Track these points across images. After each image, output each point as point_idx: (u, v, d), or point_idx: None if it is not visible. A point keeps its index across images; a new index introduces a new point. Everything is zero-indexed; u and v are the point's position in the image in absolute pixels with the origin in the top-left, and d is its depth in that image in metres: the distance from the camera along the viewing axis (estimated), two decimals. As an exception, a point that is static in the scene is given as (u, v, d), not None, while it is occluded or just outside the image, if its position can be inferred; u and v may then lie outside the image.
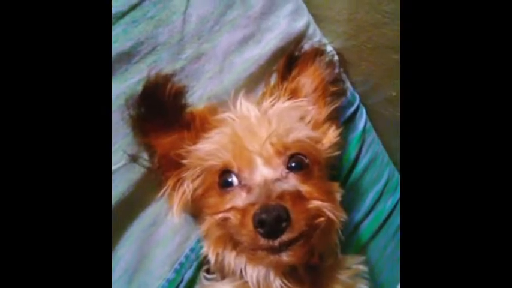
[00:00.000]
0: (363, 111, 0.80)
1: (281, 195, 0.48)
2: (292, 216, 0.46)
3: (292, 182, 0.52)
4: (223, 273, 0.58)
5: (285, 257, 0.48)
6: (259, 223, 0.46)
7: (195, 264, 0.63)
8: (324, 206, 0.51)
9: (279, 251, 0.48)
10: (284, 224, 0.46)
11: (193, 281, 0.63)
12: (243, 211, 0.48)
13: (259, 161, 0.52)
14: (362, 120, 0.80)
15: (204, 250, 0.57)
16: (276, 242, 0.47)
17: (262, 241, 0.47)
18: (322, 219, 0.51)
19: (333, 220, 0.52)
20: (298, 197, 0.50)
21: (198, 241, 0.63)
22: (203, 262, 0.62)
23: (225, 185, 0.53)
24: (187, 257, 0.63)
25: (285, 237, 0.46)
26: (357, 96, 0.79)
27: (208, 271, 0.61)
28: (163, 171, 0.57)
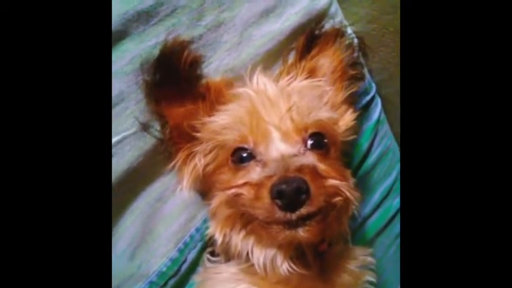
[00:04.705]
0: (378, 101, 0.79)
1: (300, 169, 0.47)
2: (312, 191, 0.45)
3: (310, 158, 0.51)
4: (228, 255, 0.56)
5: (301, 233, 0.46)
6: (278, 194, 0.44)
7: (199, 245, 0.62)
8: (341, 185, 0.50)
9: (295, 225, 0.46)
10: (304, 197, 0.45)
11: (196, 262, 0.62)
12: (259, 184, 0.47)
13: (276, 135, 0.51)
14: (377, 110, 0.78)
15: (211, 230, 0.56)
16: (294, 215, 0.45)
17: (279, 214, 0.45)
18: (340, 198, 0.50)
19: (350, 200, 0.51)
20: (316, 173, 0.48)
21: (205, 221, 0.61)
22: (208, 243, 0.61)
23: (238, 161, 0.52)
24: (192, 236, 0.61)
25: (303, 210, 0.45)
26: (374, 85, 0.77)
27: (212, 253, 0.60)
28: (174, 142, 0.55)
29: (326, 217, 0.49)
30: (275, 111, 0.51)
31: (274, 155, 0.50)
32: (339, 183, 0.50)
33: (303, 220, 0.46)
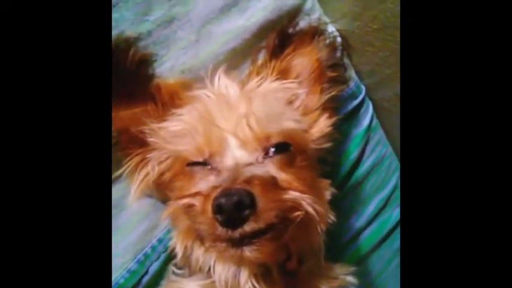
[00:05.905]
0: (369, 106, 0.73)
1: (249, 180, 0.42)
2: (259, 205, 0.40)
3: (268, 167, 0.46)
4: (190, 269, 0.52)
5: (248, 252, 0.42)
6: (217, 209, 0.40)
7: (163, 256, 0.58)
8: (302, 198, 0.45)
9: (240, 244, 0.42)
10: (247, 212, 0.40)
11: (160, 274, 0.59)
12: (205, 196, 0.43)
13: (233, 142, 0.46)
14: (367, 116, 0.72)
15: (173, 241, 0.52)
16: (236, 233, 0.41)
17: (220, 230, 0.41)
18: (298, 213, 0.44)
19: (313, 216, 0.46)
20: (271, 184, 0.44)
21: (169, 231, 0.57)
22: (173, 255, 0.56)
23: (194, 167, 0.48)
24: (153, 247, 0.58)
25: (247, 227, 0.40)
26: (363, 88, 0.71)
27: (178, 265, 0.55)
28: (122, 148, 0.52)
29: (281, 234, 0.44)
30: (232, 116, 0.47)
31: (229, 163, 0.46)
32: (299, 195, 0.45)
33: (248, 238, 0.41)
